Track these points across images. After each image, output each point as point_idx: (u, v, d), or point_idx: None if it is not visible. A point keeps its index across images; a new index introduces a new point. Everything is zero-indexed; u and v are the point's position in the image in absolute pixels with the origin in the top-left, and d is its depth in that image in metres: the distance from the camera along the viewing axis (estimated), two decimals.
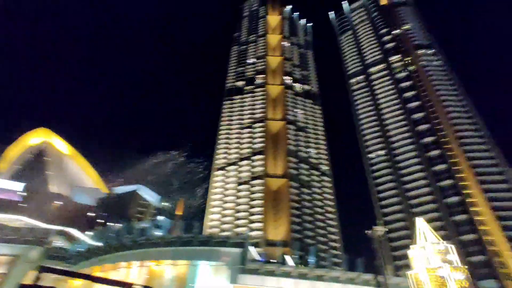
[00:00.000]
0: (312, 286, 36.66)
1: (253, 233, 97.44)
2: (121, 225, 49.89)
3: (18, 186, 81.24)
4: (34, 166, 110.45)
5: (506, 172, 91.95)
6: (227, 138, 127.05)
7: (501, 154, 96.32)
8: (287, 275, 37.58)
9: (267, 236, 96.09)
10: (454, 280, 17.77)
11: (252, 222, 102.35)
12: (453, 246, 20.21)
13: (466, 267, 19.84)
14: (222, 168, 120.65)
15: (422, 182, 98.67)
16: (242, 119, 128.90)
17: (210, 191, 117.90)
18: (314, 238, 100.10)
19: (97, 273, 42.15)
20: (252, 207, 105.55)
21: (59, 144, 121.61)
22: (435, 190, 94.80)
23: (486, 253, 79.50)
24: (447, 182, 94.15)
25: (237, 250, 39.59)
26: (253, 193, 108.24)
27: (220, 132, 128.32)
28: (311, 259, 42.24)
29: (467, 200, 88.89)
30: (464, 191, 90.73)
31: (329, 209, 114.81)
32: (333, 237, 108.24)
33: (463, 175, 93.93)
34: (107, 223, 62.33)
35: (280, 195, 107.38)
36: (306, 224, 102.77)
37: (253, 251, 45.95)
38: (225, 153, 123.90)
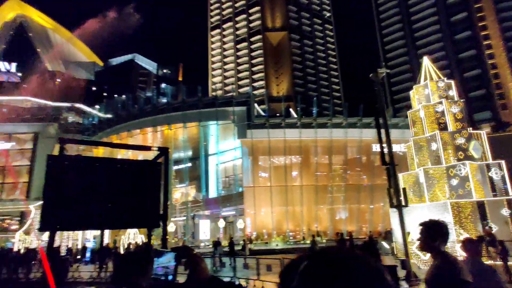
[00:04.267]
0: (316, 133, 39.16)
1: (257, 91, 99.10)
2: (125, 96, 50.20)
3: (11, 66, 79.05)
4: (20, 44, 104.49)
5: None
6: None
7: None
8: (292, 126, 39.62)
9: (270, 93, 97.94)
10: (449, 114, 17.93)
11: (254, 80, 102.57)
12: (453, 82, 19.76)
13: (463, 100, 19.87)
14: (217, 27, 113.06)
15: (432, 19, 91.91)
16: None
17: (209, 53, 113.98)
18: (317, 90, 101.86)
19: (116, 141, 45.05)
20: (253, 65, 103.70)
21: (38, 17, 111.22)
22: (444, 27, 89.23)
23: (489, 87, 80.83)
24: (459, 16, 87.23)
25: (242, 108, 40.67)
26: (253, 50, 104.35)
27: None
28: (314, 110, 43.70)
29: (478, 34, 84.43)
30: (478, 24, 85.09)
31: (332, 59, 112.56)
32: (335, 87, 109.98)
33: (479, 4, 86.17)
34: (112, 95, 63.33)
35: (281, 50, 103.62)
36: (308, 77, 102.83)
37: (257, 108, 47.46)
38: (219, 8, 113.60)
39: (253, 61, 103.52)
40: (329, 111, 44.23)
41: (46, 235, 19.86)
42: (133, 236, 29.94)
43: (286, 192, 38.16)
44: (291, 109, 61.41)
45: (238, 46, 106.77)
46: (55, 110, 65.89)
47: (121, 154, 40.78)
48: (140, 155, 32.84)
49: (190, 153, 44.66)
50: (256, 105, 48.33)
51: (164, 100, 52.46)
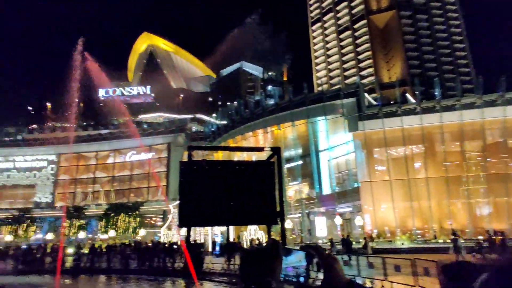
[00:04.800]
0: (441, 118, 34.28)
1: (365, 80, 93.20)
2: (236, 103, 54.13)
3: (147, 89, 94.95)
4: (151, 69, 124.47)
5: None
6: None
7: None
8: (410, 112, 35.71)
9: (381, 80, 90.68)
10: None
11: (361, 69, 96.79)
12: None
13: None
14: (317, 20, 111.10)
15: None
16: None
17: (311, 48, 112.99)
18: (437, 69, 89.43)
19: (232, 145, 48.88)
20: (359, 53, 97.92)
21: (162, 43, 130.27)
22: None
23: None
24: None
25: (351, 99, 38.81)
26: (357, 38, 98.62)
27: None
28: (437, 92, 38.29)
29: None
30: None
31: (454, 29, 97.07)
32: (461, 61, 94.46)
33: None
34: (225, 103, 69.53)
35: (390, 32, 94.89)
36: (425, 56, 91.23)
37: (368, 98, 44.49)
38: (318, 1, 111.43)
39: (359, 49, 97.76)
40: (456, 90, 38.19)
41: (184, 230, 22.89)
42: (254, 232, 31.83)
43: (409, 186, 34.55)
44: (407, 94, 55.54)
45: (340, 36, 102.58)
46: (181, 121, 76.00)
47: (237, 156, 43.95)
48: (254, 156, 34.75)
49: (300, 150, 44.92)
50: (366, 94, 45.42)
51: (272, 101, 54.35)
